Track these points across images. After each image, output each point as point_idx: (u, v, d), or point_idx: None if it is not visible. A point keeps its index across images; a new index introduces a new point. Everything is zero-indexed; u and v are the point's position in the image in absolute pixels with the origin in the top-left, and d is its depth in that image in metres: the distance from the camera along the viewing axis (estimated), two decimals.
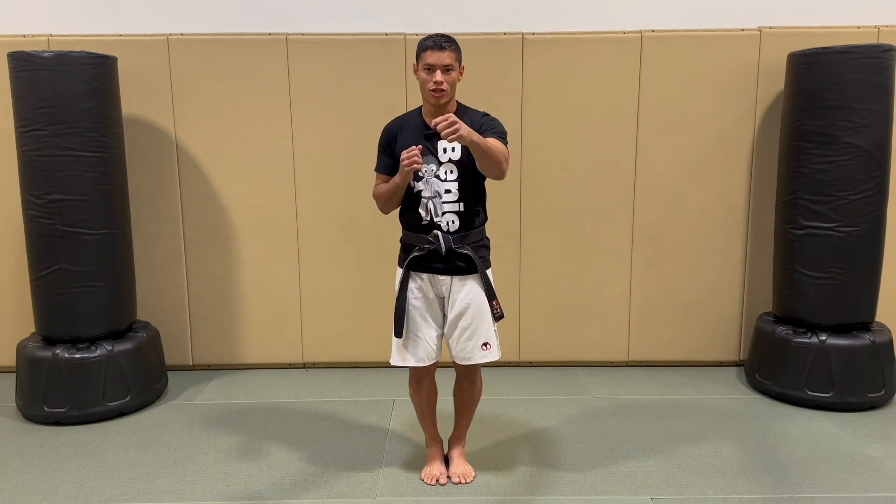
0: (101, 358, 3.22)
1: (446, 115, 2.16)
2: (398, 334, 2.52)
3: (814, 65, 3.24)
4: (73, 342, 3.23)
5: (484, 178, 2.51)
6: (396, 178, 2.41)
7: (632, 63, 3.69)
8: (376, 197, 2.54)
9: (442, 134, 2.14)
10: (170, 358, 3.82)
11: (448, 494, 2.57)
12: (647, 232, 3.83)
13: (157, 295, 3.84)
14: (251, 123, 3.72)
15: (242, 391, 3.64)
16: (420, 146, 2.33)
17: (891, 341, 3.37)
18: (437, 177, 2.43)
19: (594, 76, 3.70)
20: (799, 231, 3.35)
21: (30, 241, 3.22)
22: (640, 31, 3.68)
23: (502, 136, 2.42)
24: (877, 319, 3.44)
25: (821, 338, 3.31)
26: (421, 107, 2.51)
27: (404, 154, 2.30)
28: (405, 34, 3.67)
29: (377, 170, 2.54)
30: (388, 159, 2.50)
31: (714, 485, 2.62)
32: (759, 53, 3.67)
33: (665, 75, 3.69)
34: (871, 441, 2.98)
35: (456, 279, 2.49)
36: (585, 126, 3.74)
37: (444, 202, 2.44)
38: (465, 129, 2.16)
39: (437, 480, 2.64)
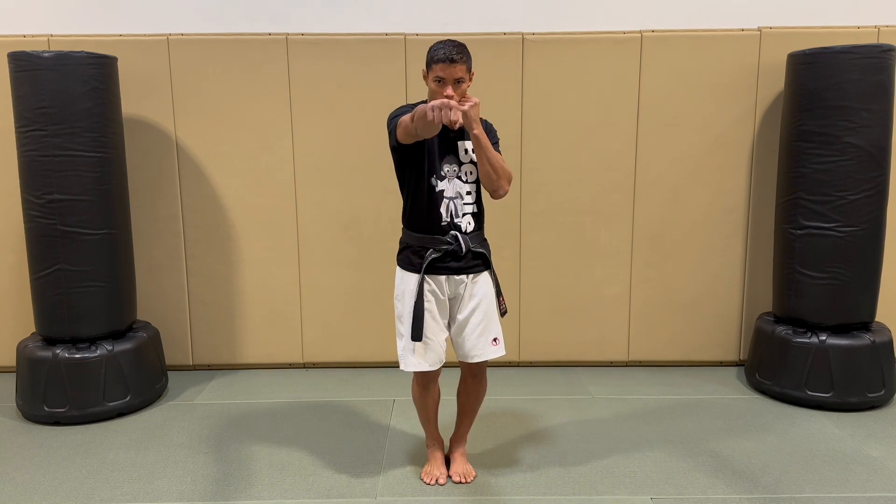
0: (101, 358, 3.22)
1: (470, 100, 2.24)
2: (418, 338, 2.48)
3: (814, 65, 3.24)
4: (73, 342, 3.23)
5: None
6: (427, 114, 2.14)
7: (632, 63, 3.69)
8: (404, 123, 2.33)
9: (452, 117, 2.10)
10: (170, 358, 3.82)
11: (448, 494, 2.57)
12: (647, 232, 3.83)
13: (157, 295, 3.84)
14: (251, 123, 3.72)
15: (242, 391, 3.64)
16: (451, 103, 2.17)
17: (891, 341, 3.37)
18: (459, 178, 2.46)
19: (594, 76, 3.70)
20: (799, 231, 3.35)
21: (30, 241, 3.22)
22: (640, 31, 3.68)
23: (496, 144, 2.48)
24: (877, 319, 3.45)
25: (821, 338, 3.31)
26: (424, 101, 2.48)
27: (441, 102, 2.11)
28: (405, 34, 3.67)
29: (402, 116, 2.37)
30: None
31: (714, 485, 2.62)
32: (759, 53, 3.67)
33: (665, 75, 3.69)
34: (871, 441, 2.98)
35: (471, 277, 2.52)
36: (585, 126, 3.74)
37: (464, 203, 2.47)
38: (475, 112, 2.27)
39: (437, 480, 2.64)
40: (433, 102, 2.14)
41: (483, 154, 2.35)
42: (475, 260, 2.51)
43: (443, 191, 2.45)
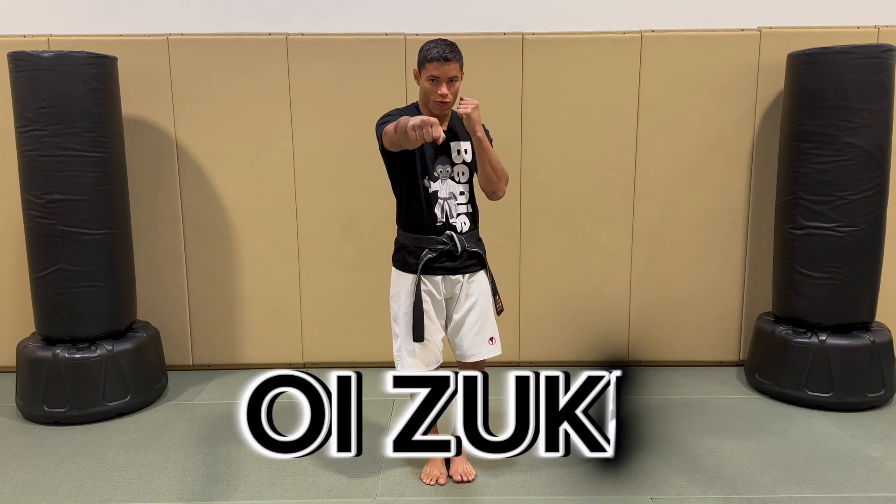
0: (101, 358, 3.22)
1: (472, 101, 2.36)
2: (420, 338, 2.50)
3: (814, 65, 3.24)
4: (73, 342, 3.23)
5: None
6: (408, 133, 2.14)
7: (632, 63, 3.69)
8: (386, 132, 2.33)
9: (461, 107, 2.35)
10: (170, 358, 3.82)
11: (448, 494, 2.57)
12: (647, 232, 3.83)
13: (157, 295, 3.84)
14: (251, 123, 3.72)
15: (242, 391, 3.62)
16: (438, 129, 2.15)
17: (891, 341, 3.37)
18: (452, 178, 2.49)
19: (594, 76, 3.70)
20: (799, 231, 3.35)
21: (30, 241, 3.22)
22: (640, 31, 3.68)
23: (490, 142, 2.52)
24: (877, 319, 3.44)
25: (821, 338, 3.31)
26: (416, 103, 2.53)
27: (421, 120, 2.07)
28: (405, 34, 3.67)
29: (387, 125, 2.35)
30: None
31: (714, 485, 2.62)
32: (759, 53, 3.67)
33: (665, 75, 3.69)
34: (871, 441, 2.98)
35: (467, 277, 2.54)
36: (585, 126, 3.74)
37: (458, 203, 2.50)
38: (477, 114, 2.36)
39: (437, 480, 2.64)
40: (413, 121, 2.08)
41: (485, 156, 2.42)
42: (470, 259, 2.53)
43: (436, 192, 2.47)
